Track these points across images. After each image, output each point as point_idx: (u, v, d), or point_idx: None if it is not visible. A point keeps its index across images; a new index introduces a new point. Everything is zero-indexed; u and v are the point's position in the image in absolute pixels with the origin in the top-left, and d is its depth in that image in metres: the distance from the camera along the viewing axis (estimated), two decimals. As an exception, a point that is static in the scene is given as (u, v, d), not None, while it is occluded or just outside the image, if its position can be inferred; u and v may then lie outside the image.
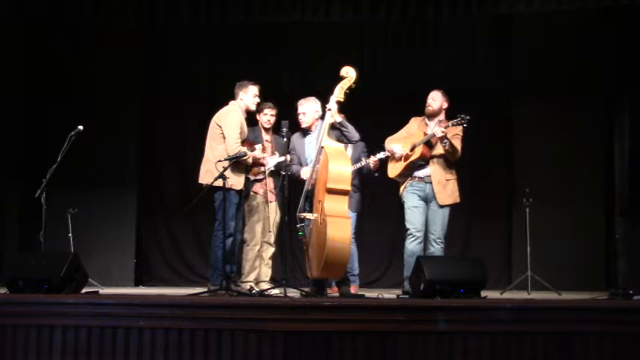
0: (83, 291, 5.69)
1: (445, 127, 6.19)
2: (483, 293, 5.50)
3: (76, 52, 8.63)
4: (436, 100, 6.43)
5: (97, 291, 6.33)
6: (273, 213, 6.98)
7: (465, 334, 4.71)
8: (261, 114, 7.00)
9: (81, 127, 6.20)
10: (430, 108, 6.43)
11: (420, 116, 6.55)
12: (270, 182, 6.90)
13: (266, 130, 7.05)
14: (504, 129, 8.68)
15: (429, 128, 6.41)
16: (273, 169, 6.82)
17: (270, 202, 6.96)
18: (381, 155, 6.77)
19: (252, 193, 6.88)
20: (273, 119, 7.02)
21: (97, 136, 7.69)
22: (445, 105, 6.45)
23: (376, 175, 7.02)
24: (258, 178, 6.87)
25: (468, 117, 6.12)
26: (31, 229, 7.86)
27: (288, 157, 6.53)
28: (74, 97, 8.50)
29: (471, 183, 8.70)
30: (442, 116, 6.44)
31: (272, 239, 7.00)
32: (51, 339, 4.82)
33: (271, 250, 7.02)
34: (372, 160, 6.88)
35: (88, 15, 7.43)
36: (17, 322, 4.87)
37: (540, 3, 7.10)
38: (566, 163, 8.32)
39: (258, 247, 6.90)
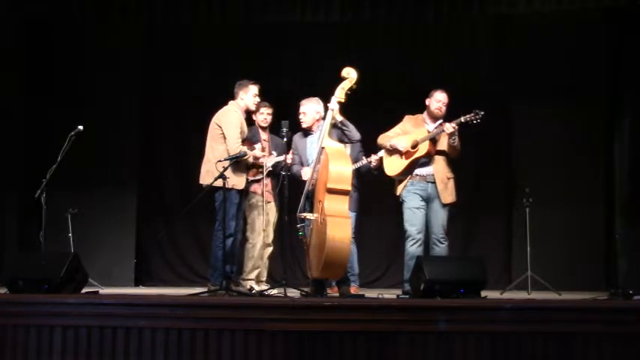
0: (83, 291, 5.68)
1: (457, 123, 6.10)
2: (483, 293, 5.50)
3: (77, 52, 8.63)
4: (446, 104, 6.35)
5: (97, 291, 6.32)
6: (272, 213, 6.99)
7: (465, 334, 4.71)
8: (258, 113, 7.02)
9: (81, 127, 6.19)
10: (440, 113, 6.34)
11: (414, 114, 6.48)
12: (268, 183, 6.91)
13: (263, 129, 7.07)
14: (504, 129, 8.68)
15: (428, 127, 6.37)
16: (270, 169, 6.82)
17: (269, 202, 6.97)
18: (382, 153, 6.74)
19: (251, 192, 6.89)
20: (269, 118, 7.07)
21: (97, 137, 7.70)
22: None
23: (376, 172, 7.00)
24: (256, 178, 6.88)
25: (482, 112, 6.06)
26: (31, 229, 7.86)
27: (289, 156, 6.53)
28: (74, 97, 8.50)
29: (471, 183, 8.72)
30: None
31: (269, 239, 7.02)
32: (51, 339, 4.81)
33: (269, 250, 7.04)
34: (374, 159, 6.87)
35: (88, 15, 7.44)
36: (17, 322, 4.87)
37: (540, 3, 7.11)
38: (566, 163, 8.32)
39: (260, 245, 6.92)
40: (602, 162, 8.45)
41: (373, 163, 6.89)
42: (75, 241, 7.73)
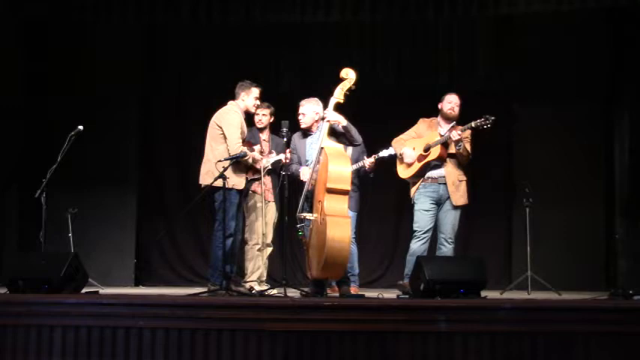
0: (83, 291, 5.69)
1: (467, 128, 6.24)
2: (483, 293, 5.50)
3: (76, 52, 8.63)
4: (458, 105, 6.50)
5: (97, 291, 6.33)
6: (272, 213, 6.99)
7: (465, 334, 4.71)
8: (254, 114, 7.01)
9: (81, 127, 6.19)
10: (453, 113, 6.48)
11: (429, 117, 6.57)
12: (268, 181, 6.91)
13: (261, 129, 7.05)
14: (504, 129, 8.66)
15: (442, 129, 6.43)
16: (270, 167, 6.82)
17: (269, 201, 6.96)
18: (383, 154, 6.75)
19: (250, 192, 6.89)
20: (265, 119, 7.03)
21: (97, 136, 7.69)
22: None
23: (371, 175, 7.01)
24: (255, 177, 6.88)
25: (492, 117, 6.18)
26: (31, 229, 7.86)
27: (287, 155, 6.52)
28: (74, 97, 8.49)
29: (471, 183, 8.70)
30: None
31: (269, 239, 7.01)
32: (51, 339, 4.82)
33: (269, 250, 7.03)
34: (369, 162, 6.86)
35: (88, 15, 7.44)
36: (17, 322, 4.88)
37: (540, 3, 7.12)
38: (566, 163, 8.32)
39: (258, 247, 6.92)
40: (602, 162, 8.44)
41: (367, 166, 6.88)
42: (75, 241, 7.73)
